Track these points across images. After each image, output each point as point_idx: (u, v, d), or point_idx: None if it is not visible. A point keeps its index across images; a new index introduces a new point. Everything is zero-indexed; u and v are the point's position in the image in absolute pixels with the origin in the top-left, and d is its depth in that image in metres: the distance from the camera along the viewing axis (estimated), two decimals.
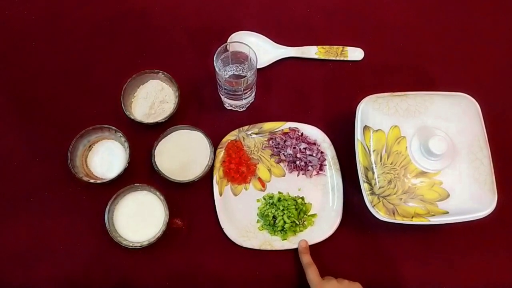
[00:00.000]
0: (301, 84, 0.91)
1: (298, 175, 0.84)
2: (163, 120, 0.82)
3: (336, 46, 0.92)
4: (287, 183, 0.83)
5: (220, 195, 0.81)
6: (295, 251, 0.79)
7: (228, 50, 0.79)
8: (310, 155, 0.83)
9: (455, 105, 0.76)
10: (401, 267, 0.80)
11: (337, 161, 0.83)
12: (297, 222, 0.80)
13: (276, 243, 0.79)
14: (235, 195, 0.82)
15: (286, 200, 0.80)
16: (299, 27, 0.95)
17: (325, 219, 0.80)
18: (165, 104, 0.85)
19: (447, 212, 0.72)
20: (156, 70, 0.86)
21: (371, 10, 0.97)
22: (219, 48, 0.76)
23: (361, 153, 0.76)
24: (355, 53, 0.92)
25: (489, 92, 0.87)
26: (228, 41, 0.90)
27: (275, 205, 0.80)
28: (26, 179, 0.83)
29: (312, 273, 0.74)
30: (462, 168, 0.72)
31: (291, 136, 0.84)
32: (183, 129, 0.83)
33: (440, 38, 0.95)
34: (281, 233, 0.80)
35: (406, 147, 0.73)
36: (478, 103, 0.77)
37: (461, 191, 0.72)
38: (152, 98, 0.85)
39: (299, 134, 0.85)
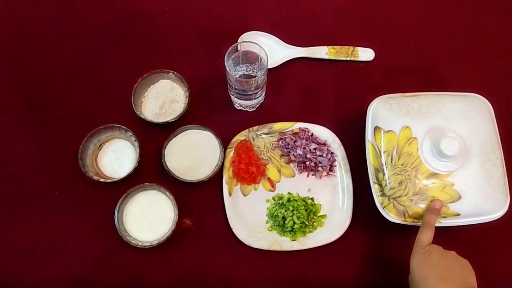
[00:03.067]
0: (311, 85, 0.91)
1: (308, 175, 0.83)
2: (173, 120, 0.83)
3: (346, 47, 0.92)
4: (297, 184, 0.83)
5: (230, 195, 0.81)
6: (304, 252, 0.79)
7: (239, 50, 0.79)
8: (320, 155, 0.83)
9: (467, 106, 0.76)
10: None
11: (347, 162, 0.83)
12: (307, 223, 0.79)
13: (286, 243, 0.79)
14: (245, 195, 0.82)
15: (296, 201, 0.80)
16: (310, 27, 0.95)
17: (334, 220, 0.80)
18: (175, 104, 0.86)
19: (459, 214, 0.71)
20: (166, 70, 0.86)
21: (381, 10, 0.97)
22: (230, 48, 0.76)
23: (371, 154, 0.75)
24: (365, 54, 0.92)
25: (502, 93, 0.86)
26: (238, 41, 0.90)
27: (285, 205, 0.80)
28: (37, 178, 0.83)
29: (426, 235, 0.68)
30: (474, 169, 0.71)
31: (301, 136, 0.84)
32: (193, 129, 0.84)
33: (451, 38, 0.95)
34: (291, 233, 0.79)
35: (417, 148, 0.72)
36: (491, 104, 0.77)
37: (473, 193, 0.71)
38: (163, 97, 0.85)
39: (309, 134, 0.84)
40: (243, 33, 0.91)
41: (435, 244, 0.68)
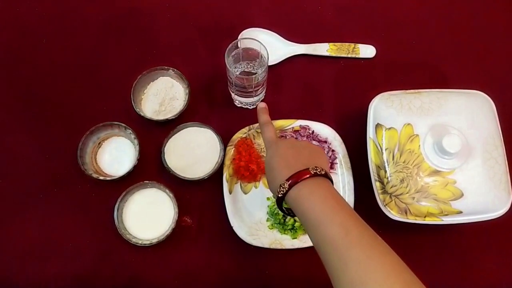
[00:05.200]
0: (312, 82, 0.90)
1: None
2: (173, 117, 0.82)
3: (347, 43, 0.91)
4: None
5: (230, 193, 0.80)
6: (305, 250, 0.78)
7: (239, 47, 0.78)
8: None
9: (469, 103, 0.75)
10: (413, 267, 0.78)
11: (348, 159, 0.82)
12: None
13: (286, 242, 0.78)
14: (245, 193, 0.82)
15: None
16: (311, 24, 0.94)
17: None
18: (175, 101, 0.85)
19: (461, 212, 0.71)
20: (166, 67, 0.85)
21: (383, 6, 0.96)
22: (230, 45, 0.75)
23: (373, 151, 0.75)
24: (367, 50, 0.91)
25: (504, 90, 0.86)
26: (238, 37, 0.89)
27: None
28: (36, 176, 0.83)
29: (268, 131, 0.68)
30: (476, 167, 0.71)
31: (302, 134, 0.84)
32: (193, 127, 0.83)
33: (453, 34, 0.94)
34: (291, 231, 0.79)
35: (419, 146, 0.72)
36: (493, 101, 0.76)
37: (475, 190, 0.70)
38: (162, 95, 0.84)
39: (310, 132, 0.84)
40: (243, 30, 0.91)
41: (288, 139, 0.67)
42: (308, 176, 0.57)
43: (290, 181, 0.58)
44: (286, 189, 0.58)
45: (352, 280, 0.50)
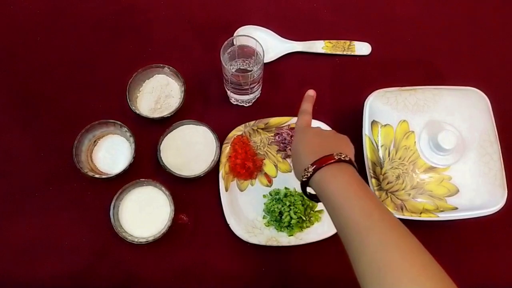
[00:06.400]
0: (308, 79, 0.90)
1: None
2: (169, 115, 0.82)
3: (343, 41, 0.91)
4: (294, 179, 0.81)
5: (226, 190, 0.80)
6: (301, 247, 0.78)
7: (234, 44, 0.78)
8: None
9: (464, 100, 0.75)
10: None
11: None
12: (304, 218, 0.79)
13: (283, 239, 0.78)
14: (241, 190, 0.82)
15: (293, 196, 0.80)
16: (306, 21, 0.94)
17: None
18: (171, 99, 0.85)
19: (456, 208, 0.71)
20: (161, 65, 0.85)
21: (378, 4, 0.96)
22: (225, 42, 0.75)
23: (369, 148, 0.75)
24: (362, 48, 0.91)
25: (499, 86, 0.86)
26: (234, 35, 0.89)
27: (282, 200, 0.79)
28: (31, 174, 0.82)
29: (302, 119, 0.70)
30: (471, 163, 0.71)
31: None
32: (189, 124, 0.83)
33: (448, 32, 0.94)
34: (288, 229, 0.79)
35: (415, 142, 0.72)
36: (488, 97, 0.77)
37: (470, 187, 0.71)
38: (158, 92, 0.84)
39: None
40: (239, 27, 0.91)
41: (315, 127, 0.69)
42: (332, 161, 0.59)
43: (314, 165, 0.59)
44: (311, 173, 0.59)
45: (371, 261, 0.51)
